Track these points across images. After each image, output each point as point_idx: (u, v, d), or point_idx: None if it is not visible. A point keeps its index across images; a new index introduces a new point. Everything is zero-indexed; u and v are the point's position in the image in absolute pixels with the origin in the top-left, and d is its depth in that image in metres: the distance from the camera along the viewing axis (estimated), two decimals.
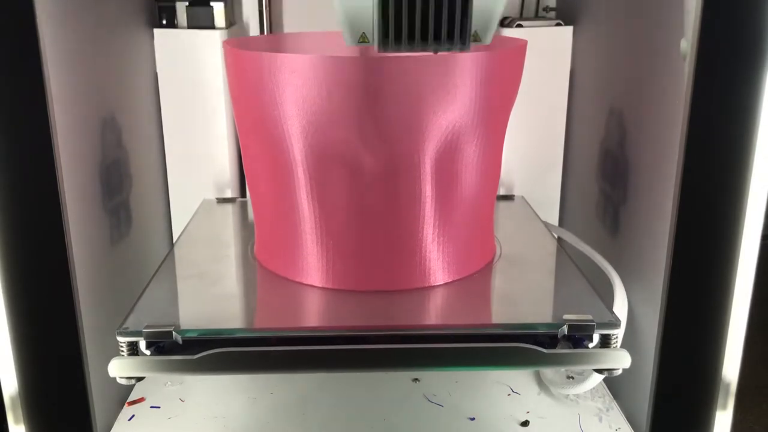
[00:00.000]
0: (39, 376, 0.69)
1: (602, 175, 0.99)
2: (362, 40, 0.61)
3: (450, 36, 0.59)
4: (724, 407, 0.70)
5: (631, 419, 0.84)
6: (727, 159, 0.63)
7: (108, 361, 0.72)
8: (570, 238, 0.97)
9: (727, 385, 0.69)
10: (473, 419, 0.85)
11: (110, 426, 0.82)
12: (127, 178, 0.95)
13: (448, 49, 0.59)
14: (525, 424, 0.84)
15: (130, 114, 0.95)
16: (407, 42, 0.59)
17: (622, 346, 0.77)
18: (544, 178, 1.11)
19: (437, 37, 0.59)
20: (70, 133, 0.75)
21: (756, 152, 0.62)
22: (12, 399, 0.69)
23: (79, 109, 0.80)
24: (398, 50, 0.60)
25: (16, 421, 0.69)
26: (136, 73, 0.98)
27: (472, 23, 0.60)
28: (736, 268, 0.66)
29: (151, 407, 0.88)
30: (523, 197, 1.06)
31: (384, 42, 0.59)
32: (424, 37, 0.59)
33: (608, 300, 0.83)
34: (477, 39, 0.61)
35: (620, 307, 0.81)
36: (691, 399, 0.70)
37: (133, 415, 0.86)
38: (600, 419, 0.85)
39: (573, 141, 1.09)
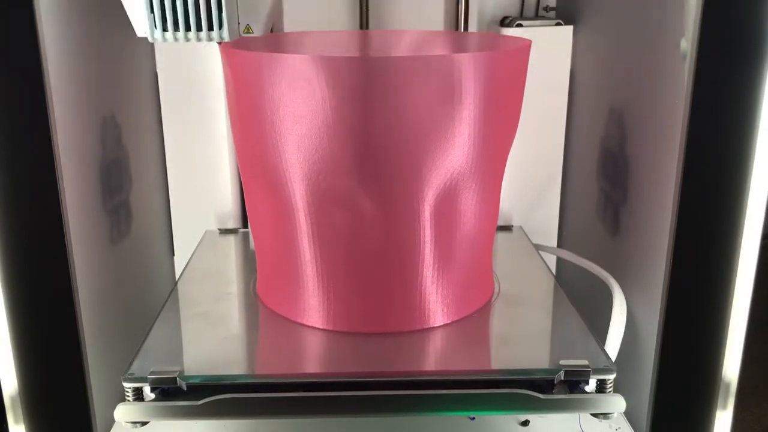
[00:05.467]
0: (39, 376, 0.69)
1: (602, 175, 0.99)
2: None
3: (210, 26, 0.66)
4: (724, 407, 0.70)
5: (631, 419, 0.84)
6: (727, 159, 0.63)
7: (107, 362, 0.72)
8: (568, 256, 0.98)
9: (727, 385, 0.69)
10: (473, 419, 0.84)
11: (110, 426, 0.81)
12: (127, 178, 0.95)
13: (210, 39, 0.66)
14: (525, 423, 0.84)
15: (130, 114, 0.95)
16: (173, 31, 0.66)
17: (623, 347, 0.77)
18: (545, 186, 1.10)
19: (199, 27, 0.66)
20: (70, 133, 0.75)
21: (756, 152, 0.62)
22: (12, 399, 0.69)
23: (80, 109, 0.80)
24: (165, 40, 0.66)
25: (16, 421, 0.69)
26: (136, 73, 0.98)
27: (243, 17, 0.69)
28: (736, 268, 0.66)
29: None
30: (521, 228, 1.06)
31: (153, 31, 0.66)
32: (188, 27, 0.66)
33: (608, 306, 0.83)
34: (249, 31, 0.71)
35: (618, 317, 0.81)
36: (691, 399, 0.70)
37: None
38: (600, 419, 0.85)
39: (573, 141, 1.09)
